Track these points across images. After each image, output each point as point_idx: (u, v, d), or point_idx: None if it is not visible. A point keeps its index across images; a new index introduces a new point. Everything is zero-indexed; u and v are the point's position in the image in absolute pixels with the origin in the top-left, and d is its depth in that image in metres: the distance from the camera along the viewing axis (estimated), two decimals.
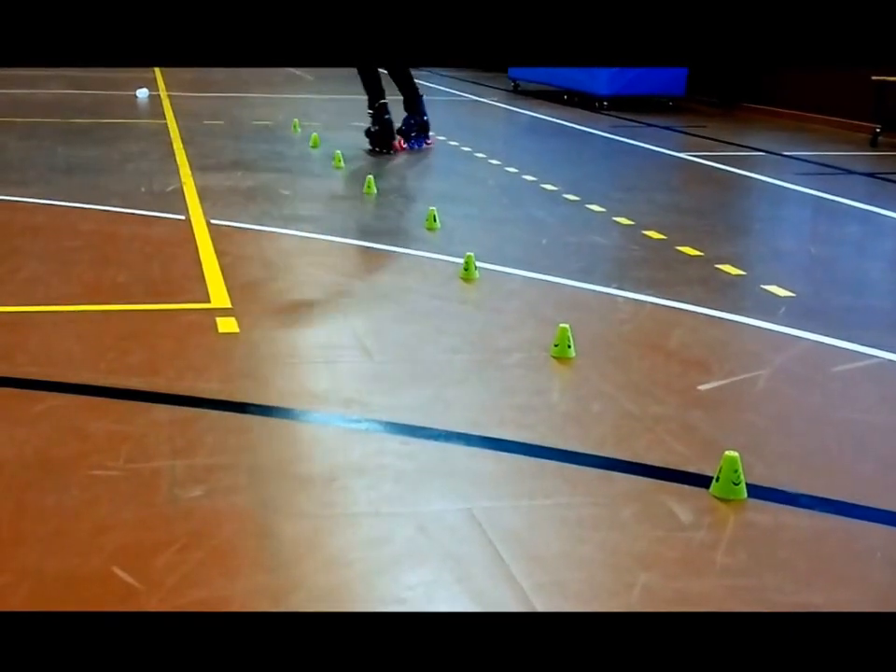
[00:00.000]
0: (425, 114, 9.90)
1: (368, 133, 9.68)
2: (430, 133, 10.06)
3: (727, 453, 2.97)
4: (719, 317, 4.71)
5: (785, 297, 5.06)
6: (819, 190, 8.15)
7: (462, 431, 3.40)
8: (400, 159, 9.58)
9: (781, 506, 2.96)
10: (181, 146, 9.49)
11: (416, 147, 9.86)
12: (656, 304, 4.90)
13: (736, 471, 2.96)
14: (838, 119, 12.27)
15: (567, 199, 7.53)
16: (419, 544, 2.70)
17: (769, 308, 4.86)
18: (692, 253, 5.94)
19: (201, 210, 6.66)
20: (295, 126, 10.78)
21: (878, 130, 11.11)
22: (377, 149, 9.58)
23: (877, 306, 5.13)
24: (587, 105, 14.11)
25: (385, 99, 9.53)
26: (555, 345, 4.11)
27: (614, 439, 3.41)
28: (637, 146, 10.66)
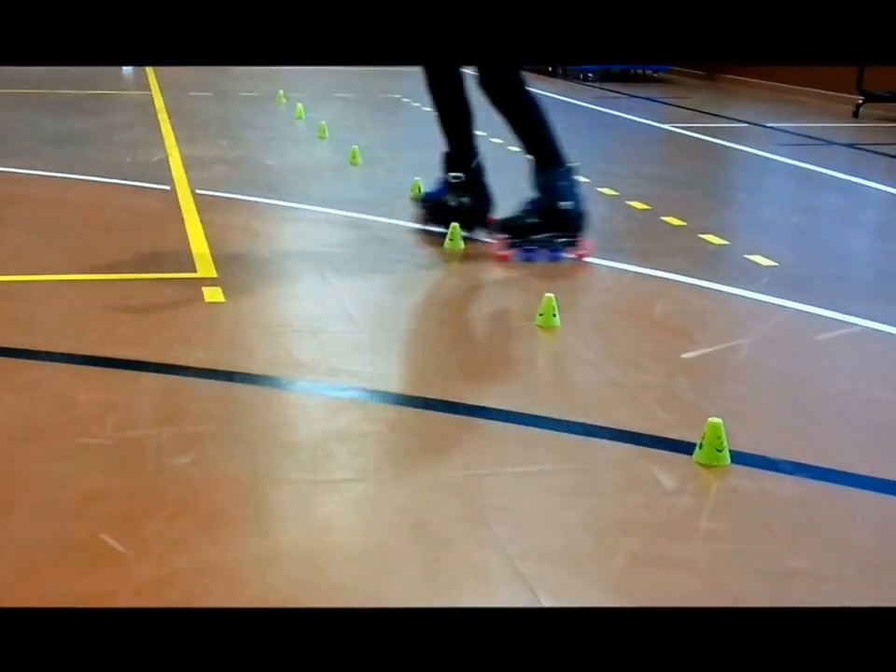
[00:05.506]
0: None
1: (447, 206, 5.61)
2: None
3: (710, 419, 2.99)
4: (703, 287, 4.74)
5: (768, 266, 5.08)
6: (801, 161, 8.17)
7: (447, 399, 3.42)
8: (382, 131, 9.56)
9: (765, 472, 2.99)
10: (167, 117, 9.46)
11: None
12: (641, 274, 4.92)
13: (720, 438, 2.98)
14: (821, 91, 12.28)
15: None
16: (405, 510, 2.72)
17: (752, 277, 4.89)
18: (676, 223, 5.96)
19: (186, 180, 6.65)
20: (280, 97, 10.75)
21: (861, 101, 11.12)
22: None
23: (860, 275, 5.16)
24: (572, 76, 14.09)
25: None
26: (540, 315, 4.12)
27: (598, 406, 3.43)
28: (621, 117, 10.66)
